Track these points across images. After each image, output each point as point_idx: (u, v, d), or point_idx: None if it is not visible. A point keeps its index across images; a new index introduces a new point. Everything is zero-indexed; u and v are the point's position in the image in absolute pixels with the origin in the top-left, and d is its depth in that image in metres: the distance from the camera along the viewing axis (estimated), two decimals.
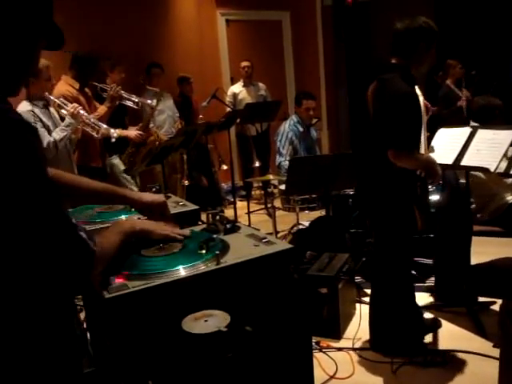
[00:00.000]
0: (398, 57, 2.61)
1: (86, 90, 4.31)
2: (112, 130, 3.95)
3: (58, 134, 3.55)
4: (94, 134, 3.98)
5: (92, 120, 3.91)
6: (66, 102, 3.74)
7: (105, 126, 3.97)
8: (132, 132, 4.74)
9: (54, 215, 1.05)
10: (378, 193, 2.68)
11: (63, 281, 1.11)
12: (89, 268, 1.14)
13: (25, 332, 1.06)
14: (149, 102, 4.59)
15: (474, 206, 3.46)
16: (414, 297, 2.84)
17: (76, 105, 3.73)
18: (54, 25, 1.11)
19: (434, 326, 2.99)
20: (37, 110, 3.50)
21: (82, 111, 3.75)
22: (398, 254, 2.71)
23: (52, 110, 3.70)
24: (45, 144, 3.44)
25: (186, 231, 1.59)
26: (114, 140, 4.01)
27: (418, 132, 2.62)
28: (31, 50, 1.08)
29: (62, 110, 3.71)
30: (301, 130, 4.65)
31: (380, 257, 2.81)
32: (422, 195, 2.87)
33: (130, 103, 4.36)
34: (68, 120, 3.62)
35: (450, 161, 2.91)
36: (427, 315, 3.06)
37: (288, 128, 4.65)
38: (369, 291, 3.48)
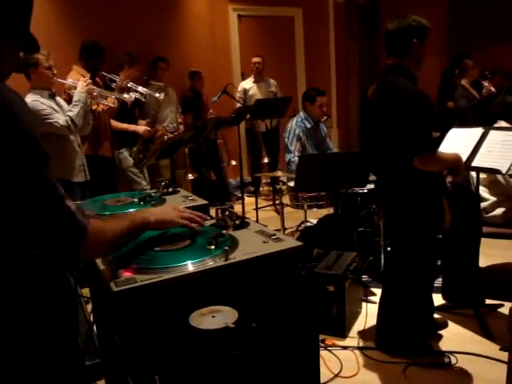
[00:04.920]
0: (393, 57, 2.57)
1: (97, 79, 4.34)
2: (125, 95, 4.15)
3: (71, 111, 3.57)
4: (111, 104, 4.02)
5: (104, 92, 4.04)
6: (76, 82, 3.78)
7: (117, 95, 4.09)
8: (141, 127, 4.75)
9: (39, 181, 1.08)
10: (401, 188, 2.58)
11: (48, 250, 1.13)
12: (76, 239, 1.14)
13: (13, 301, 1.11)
14: (157, 95, 4.60)
15: (490, 202, 3.41)
16: (430, 296, 2.84)
17: (86, 78, 3.76)
18: (27, 30, 1.18)
19: (441, 326, 2.98)
20: (43, 100, 3.49)
21: (92, 86, 3.83)
22: (420, 253, 2.63)
23: (59, 99, 3.69)
24: (62, 123, 3.47)
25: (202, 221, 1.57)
26: (132, 98, 4.18)
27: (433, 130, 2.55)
28: None
29: (73, 91, 3.72)
30: (308, 126, 4.60)
31: (399, 256, 2.74)
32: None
33: (137, 95, 4.37)
34: (77, 95, 3.64)
35: None
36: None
37: (295, 125, 4.60)
38: (375, 290, 3.48)
